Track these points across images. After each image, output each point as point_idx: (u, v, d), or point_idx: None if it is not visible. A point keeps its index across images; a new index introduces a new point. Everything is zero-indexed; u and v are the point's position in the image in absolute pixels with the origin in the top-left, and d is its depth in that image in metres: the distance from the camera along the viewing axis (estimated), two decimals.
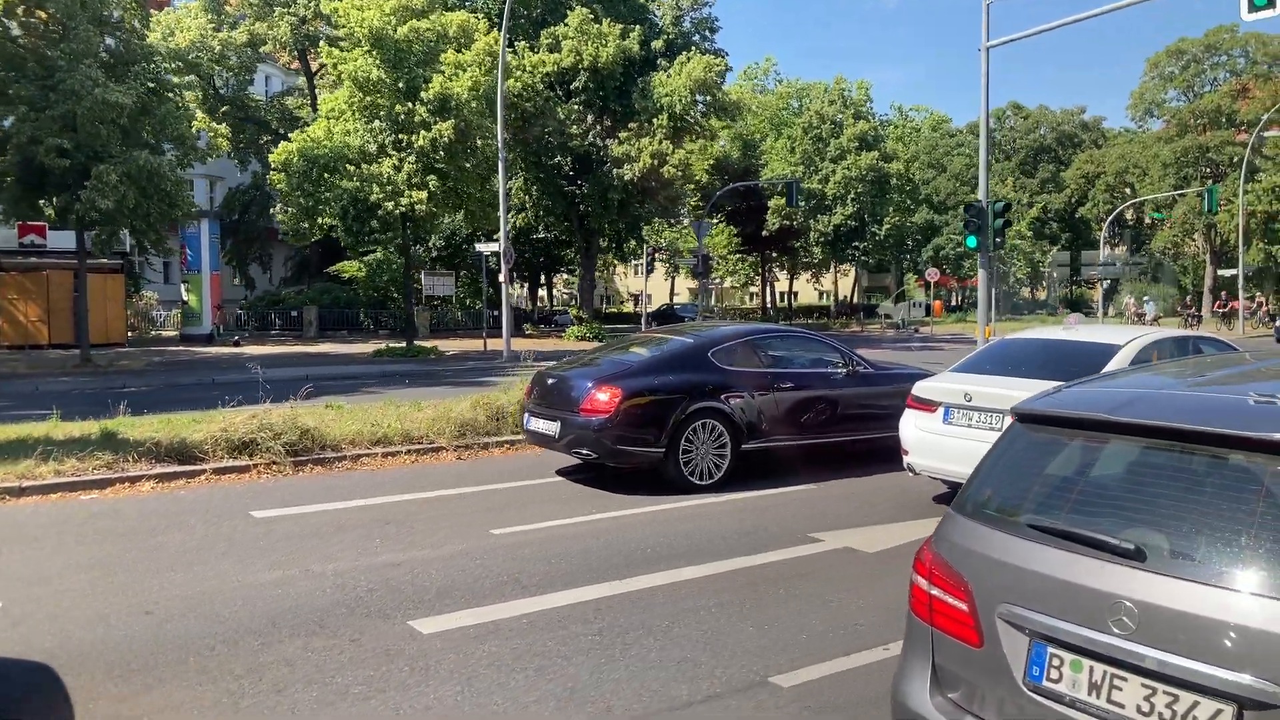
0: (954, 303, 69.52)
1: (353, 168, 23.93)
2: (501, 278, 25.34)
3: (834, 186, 50.39)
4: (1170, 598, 2.11)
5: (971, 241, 17.68)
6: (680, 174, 31.81)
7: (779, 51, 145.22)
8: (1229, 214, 53.47)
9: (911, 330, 44.95)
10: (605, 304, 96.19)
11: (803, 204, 51.42)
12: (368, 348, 27.69)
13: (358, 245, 28.77)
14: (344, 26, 24.31)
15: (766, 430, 8.29)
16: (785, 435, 8.43)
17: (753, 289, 78.04)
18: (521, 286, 59.42)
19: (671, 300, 79.73)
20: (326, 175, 24.08)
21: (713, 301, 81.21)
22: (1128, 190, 62.36)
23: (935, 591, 2.61)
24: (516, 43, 32.67)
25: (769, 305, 63.33)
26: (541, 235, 39.47)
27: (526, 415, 8.68)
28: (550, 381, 8.50)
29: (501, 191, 24.73)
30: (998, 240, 17.54)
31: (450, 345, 30.09)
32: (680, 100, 31.92)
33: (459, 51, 24.93)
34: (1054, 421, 2.70)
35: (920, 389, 7.51)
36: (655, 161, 31.70)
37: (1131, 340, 7.23)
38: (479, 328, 36.83)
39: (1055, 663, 2.29)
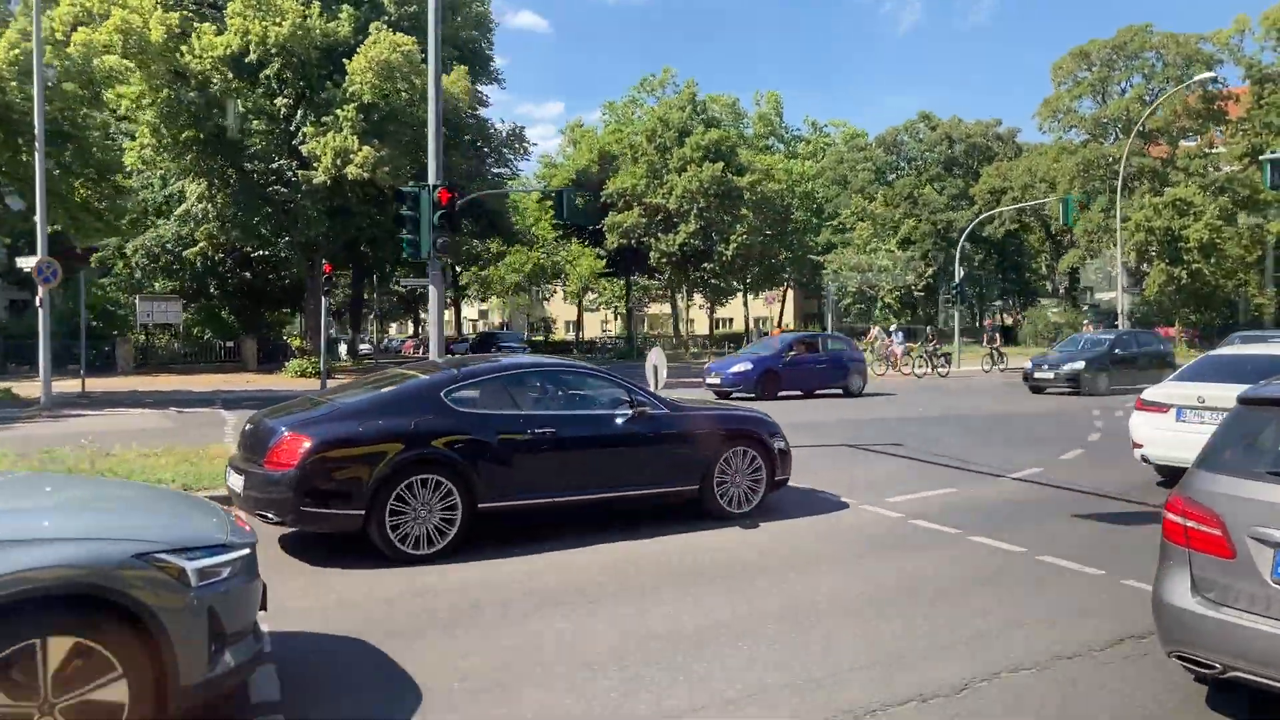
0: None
1: None
2: (39, 297, 19.85)
3: (675, 200, 44.87)
4: None
5: (409, 247, 12.05)
6: (368, 175, 26.30)
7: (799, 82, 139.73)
8: (1129, 231, 47.70)
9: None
10: (532, 331, 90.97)
11: (644, 220, 46.03)
12: None
13: None
14: None
15: (517, 486, 7.02)
16: (542, 492, 7.17)
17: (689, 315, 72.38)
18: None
19: (578, 328, 74.51)
20: None
21: (645, 329, 75.92)
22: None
23: (1190, 523, 3.89)
24: (196, 22, 27.49)
25: (631, 333, 57.65)
26: (262, 254, 33.89)
27: (228, 469, 7.22)
28: (248, 428, 7.22)
29: (40, 189, 19.23)
30: (440, 242, 11.89)
31: (68, 385, 24.30)
32: (368, 88, 26.50)
33: None
34: (1268, 402, 4.16)
35: (1150, 395, 9.65)
36: (339, 162, 26.27)
37: None
38: (206, 362, 31.57)
39: None
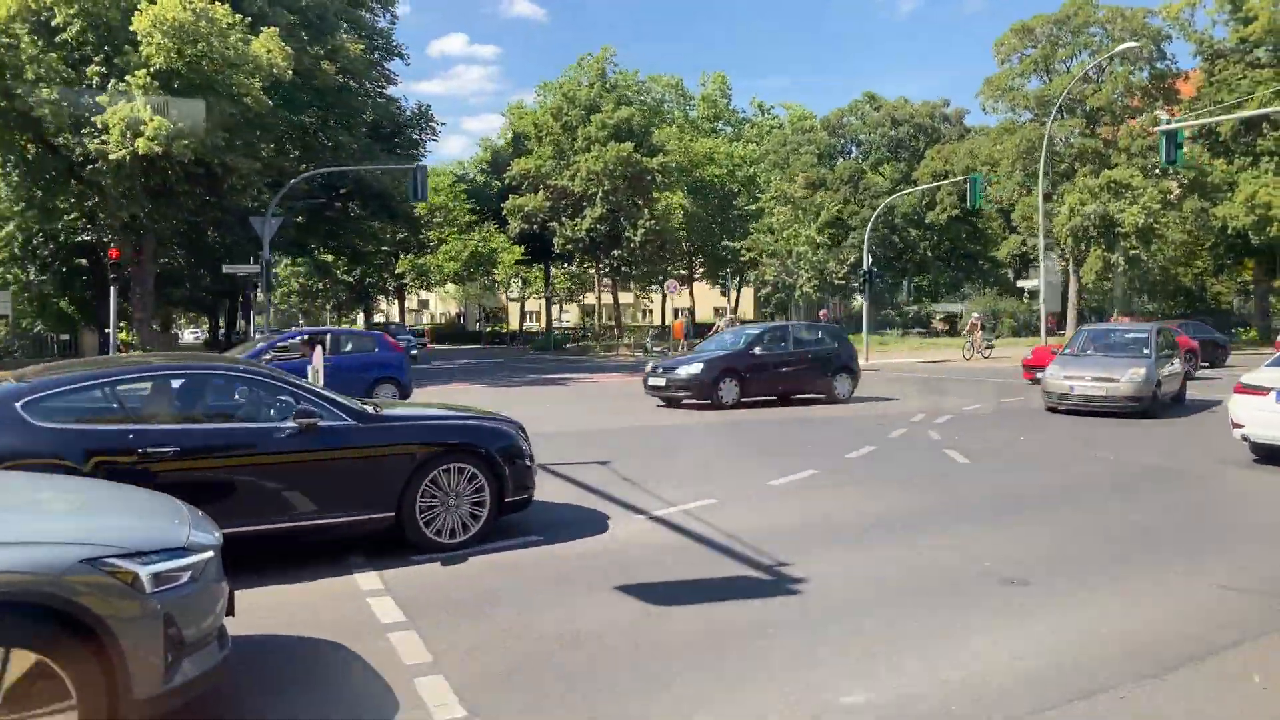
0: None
1: None
2: None
3: (580, 183, 42.07)
4: None
5: None
6: (160, 149, 23.52)
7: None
8: (1068, 214, 45.02)
9: (647, 354, 36.57)
10: (490, 322, 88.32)
11: (549, 204, 43.23)
12: None
13: None
14: None
15: None
16: None
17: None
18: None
19: (546, 318, 71.47)
20: None
21: (599, 319, 73.16)
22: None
23: None
24: None
25: (552, 325, 54.90)
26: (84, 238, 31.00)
27: None
28: None
29: None
30: None
31: None
32: (159, 51, 23.71)
33: None
34: None
35: (1249, 379, 10.74)
36: (129, 134, 23.50)
37: None
38: (37, 356, 28.76)
39: None
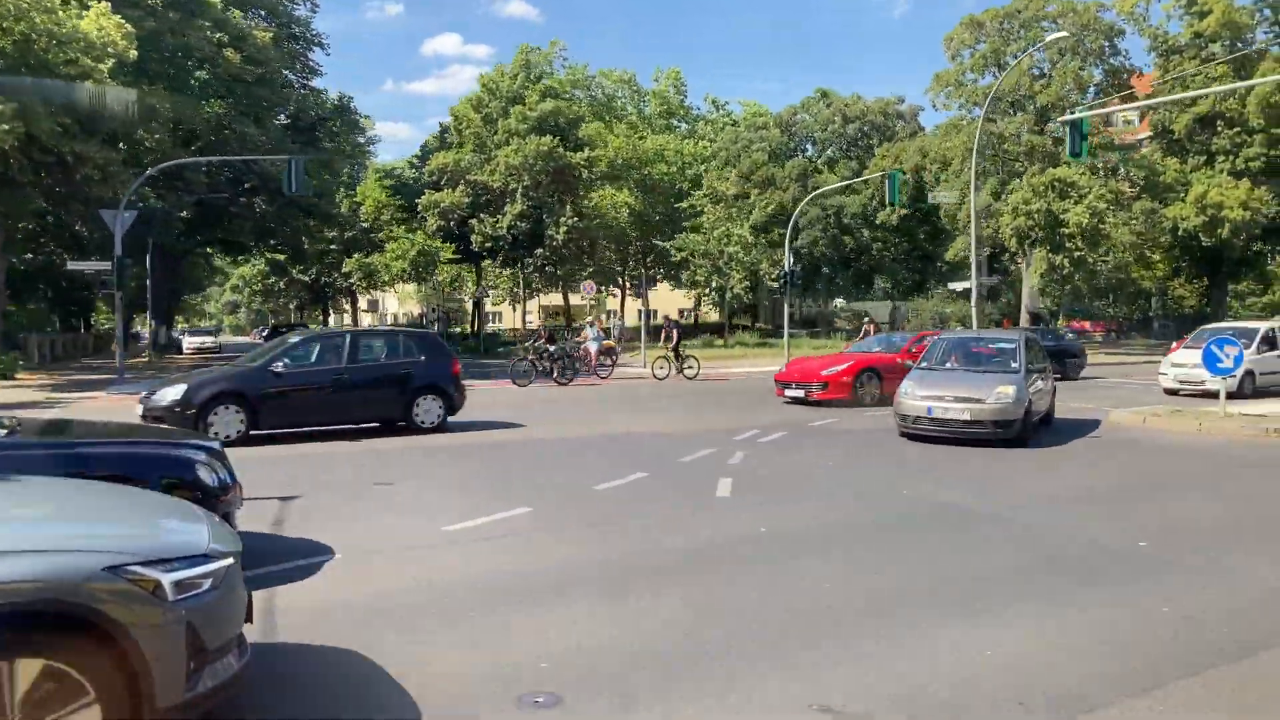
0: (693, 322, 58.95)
1: None
2: None
3: (500, 178, 39.97)
4: None
5: None
6: None
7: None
8: (1011, 214, 43.21)
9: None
10: (450, 323, 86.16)
11: (467, 200, 41.14)
12: None
13: None
14: None
15: None
16: None
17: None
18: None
19: (479, 321, 69.40)
20: None
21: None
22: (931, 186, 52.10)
23: None
24: None
25: (476, 328, 52.87)
26: None
27: None
28: None
29: None
30: None
31: None
32: None
33: None
34: None
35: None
36: None
37: None
38: None
39: None
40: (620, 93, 69.59)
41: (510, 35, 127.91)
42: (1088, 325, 62.02)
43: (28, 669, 3.09)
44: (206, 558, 3.58)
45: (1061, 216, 40.08)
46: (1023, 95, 47.91)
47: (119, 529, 3.76)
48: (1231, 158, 46.25)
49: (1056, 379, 17.14)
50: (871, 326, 32.85)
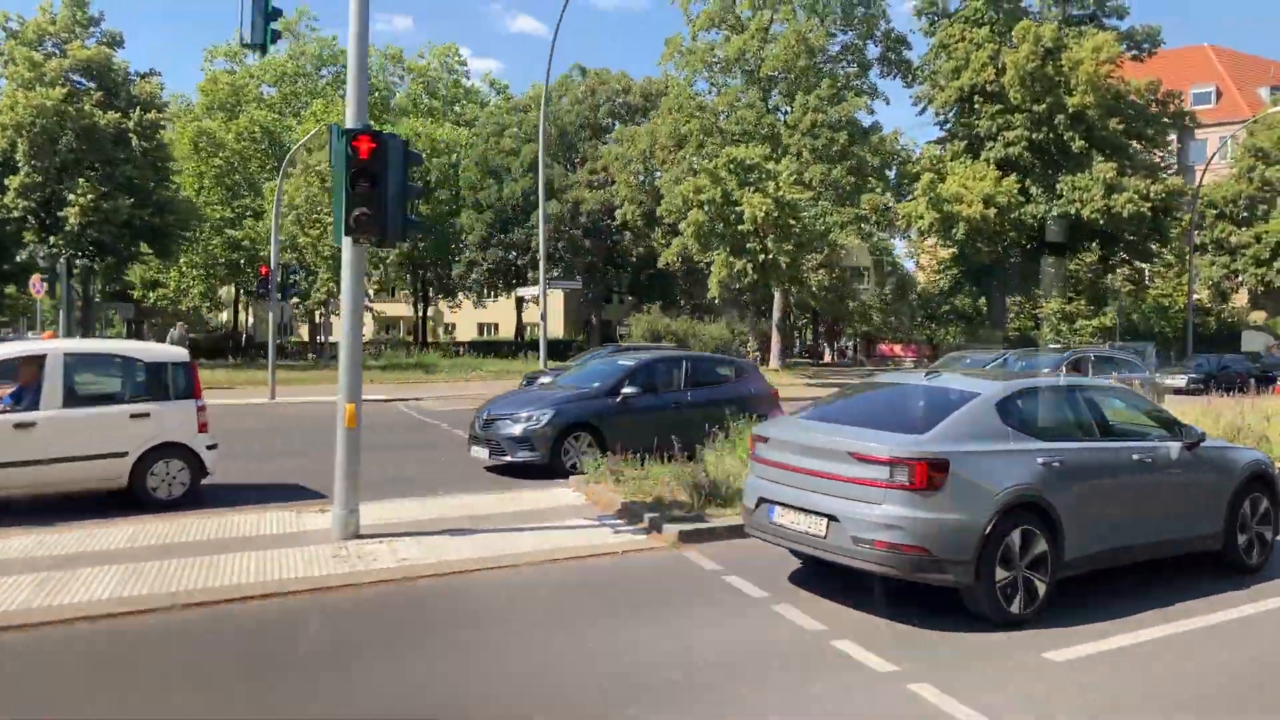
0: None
1: None
2: None
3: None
4: None
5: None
6: None
7: None
8: (682, 204, 33.76)
9: None
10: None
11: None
12: None
13: None
14: None
15: None
16: None
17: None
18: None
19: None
20: None
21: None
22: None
23: None
24: None
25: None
26: None
27: None
28: None
29: None
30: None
31: None
32: None
33: None
34: None
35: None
36: None
37: None
38: None
39: None
40: (389, 68, 60.67)
41: (518, 50, 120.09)
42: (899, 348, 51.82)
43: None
44: None
45: (737, 208, 30.61)
46: (748, 59, 38.65)
47: None
48: (1003, 142, 37.16)
49: None
50: None
